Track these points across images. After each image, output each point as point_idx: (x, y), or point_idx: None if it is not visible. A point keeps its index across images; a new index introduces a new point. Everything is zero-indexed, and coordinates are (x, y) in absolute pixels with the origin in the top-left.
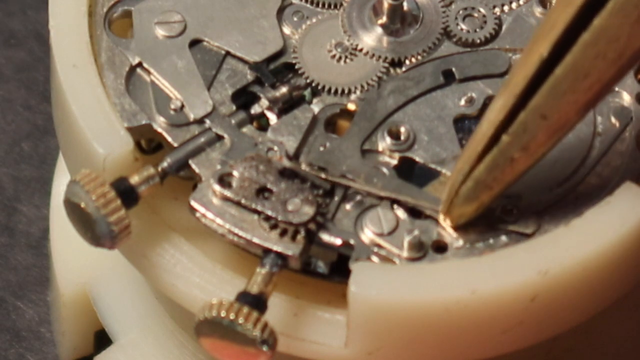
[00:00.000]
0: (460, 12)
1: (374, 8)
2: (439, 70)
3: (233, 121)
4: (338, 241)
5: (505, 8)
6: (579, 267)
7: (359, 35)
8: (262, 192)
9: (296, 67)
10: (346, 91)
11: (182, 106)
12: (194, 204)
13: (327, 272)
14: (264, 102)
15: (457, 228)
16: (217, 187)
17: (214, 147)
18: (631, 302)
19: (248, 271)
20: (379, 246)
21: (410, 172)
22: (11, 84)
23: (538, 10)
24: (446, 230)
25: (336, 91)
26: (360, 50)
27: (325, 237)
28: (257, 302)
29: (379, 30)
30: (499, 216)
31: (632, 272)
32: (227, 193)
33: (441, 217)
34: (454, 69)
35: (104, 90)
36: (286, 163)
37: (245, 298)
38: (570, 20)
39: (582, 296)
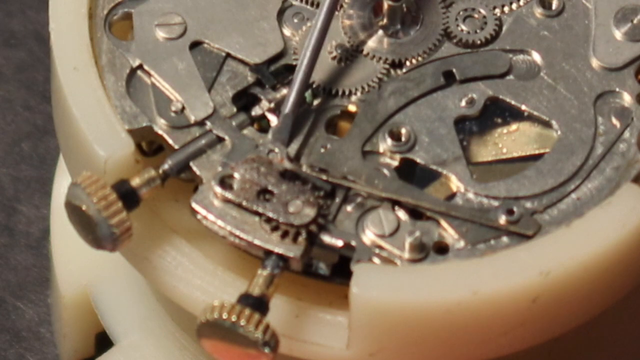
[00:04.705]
0: (461, 13)
1: (374, 9)
2: (439, 71)
3: (234, 123)
4: (339, 243)
5: (506, 9)
6: (580, 268)
7: (359, 36)
8: (263, 193)
9: (296, 69)
10: (347, 92)
11: (183, 108)
12: (195, 206)
13: (328, 273)
14: (265, 104)
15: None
16: (218, 189)
17: (214, 149)
18: (632, 303)
19: (249, 273)
20: (380, 247)
21: (411, 173)
22: (11, 84)
23: (538, 11)
24: (447, 231)
25: (337, 92)
26: (361, 51)
27: (327, 238)
28: (258, 304)
29: (379, 31)
30: (500, 217)
31: (633, 272)
32: (228, 195)
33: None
34: (454, 70)
35: (104, 93)
36: (287, 165)
37: (246, 300)
38: None
39: (583, 297)
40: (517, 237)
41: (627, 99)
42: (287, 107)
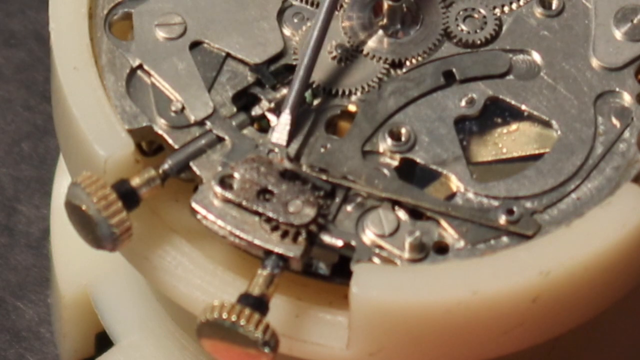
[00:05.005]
0: (461, 12)
1: (374, 9)
2: (439, 71)
3: (234, 123)
4: (339, 242)
5: (506, 9)
6: (580, 268)
7: (359, 36)
8: (263, 193)
9: (297, 68)
10: (347, 92)
11: (183, 108)
12: (195, 205)
13: (328, 273)
14: (265, 104)
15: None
16: (218, 189)
17: (214, 148)
18: (632, 303)
19: (249, 273)
20: (380, 247)
21: (411, 173)
22: (11, 84)
23: (538, 11)
24: (447, 231)
25: (337, 92)
26: (361, 51)
27: (327, 238)
28: (258, 304)
29: (379, 31)
30: (500, 217)
31: (633, 272)
32: (228, 195)
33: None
34: (454, 70)
35: (104, 93)
36: (287, 165)
37: (246, 300)
38: None
39: (583, 297)
40: (517, 237)
41: (627, 98)
42: (287, 107)
